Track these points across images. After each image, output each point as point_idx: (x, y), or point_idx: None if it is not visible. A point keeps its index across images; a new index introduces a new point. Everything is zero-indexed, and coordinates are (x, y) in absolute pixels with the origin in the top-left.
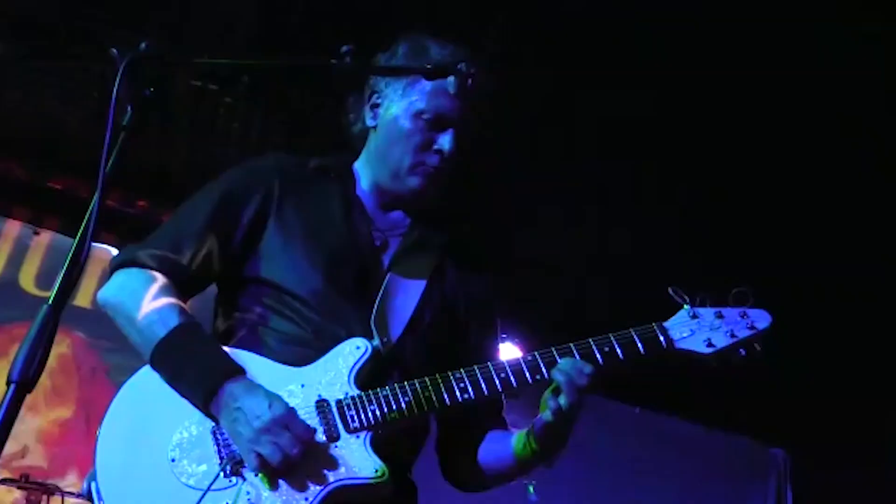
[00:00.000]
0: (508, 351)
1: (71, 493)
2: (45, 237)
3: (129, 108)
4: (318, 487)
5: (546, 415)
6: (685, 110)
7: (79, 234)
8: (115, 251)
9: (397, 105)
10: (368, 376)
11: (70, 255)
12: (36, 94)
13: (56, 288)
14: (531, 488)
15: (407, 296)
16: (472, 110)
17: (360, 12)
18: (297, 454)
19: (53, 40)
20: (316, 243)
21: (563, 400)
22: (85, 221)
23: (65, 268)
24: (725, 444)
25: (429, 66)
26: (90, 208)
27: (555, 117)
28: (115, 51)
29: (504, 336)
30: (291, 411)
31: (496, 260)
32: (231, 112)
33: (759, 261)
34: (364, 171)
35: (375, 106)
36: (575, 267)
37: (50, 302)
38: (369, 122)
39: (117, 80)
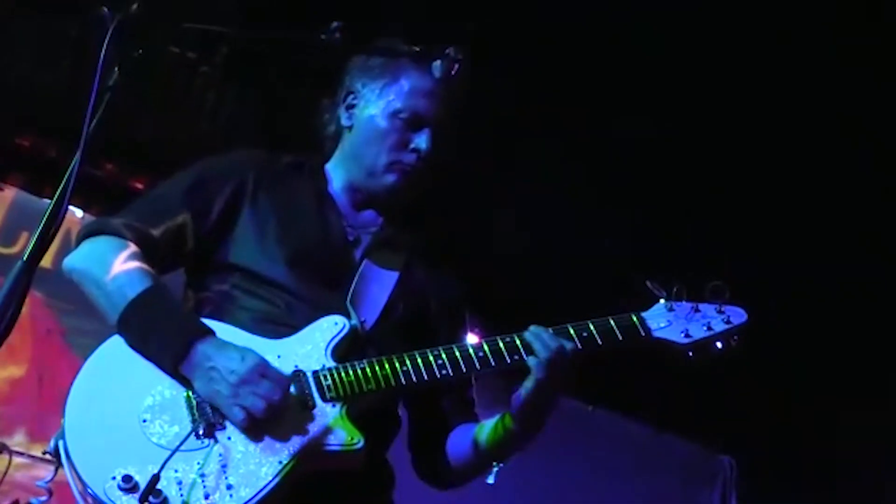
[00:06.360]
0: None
1: (19, 453)
2: (9, 193)
3: (115, 70)
4: (292, 450)
5: (525, 386)
6: (681, 111)
7: (57, 193)
8: (79, 212)
9: (374, 105)
10: (345, 353)
11: (47, 213)
12: (8, 51)
13: (31, 245)
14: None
15: (381, 285)
16: (451, 106)
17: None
18: (279, 400)
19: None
20: (289, 232)
21: (536, 364)
22: (64, 180)
23: (41, 225)
24: (675, 448)
25: (416, 49)
26: (70, 167)
27: (521, 113)
28: (105, 10)
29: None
30: (265, 361)
31: (463, 262)
32: (207, 82)
33: (729, 259)
34: (337, 172)
35: (351, 106)
36: (543, 263)
37: (24, 258)
38: (345, 122)
39: (106, 40)
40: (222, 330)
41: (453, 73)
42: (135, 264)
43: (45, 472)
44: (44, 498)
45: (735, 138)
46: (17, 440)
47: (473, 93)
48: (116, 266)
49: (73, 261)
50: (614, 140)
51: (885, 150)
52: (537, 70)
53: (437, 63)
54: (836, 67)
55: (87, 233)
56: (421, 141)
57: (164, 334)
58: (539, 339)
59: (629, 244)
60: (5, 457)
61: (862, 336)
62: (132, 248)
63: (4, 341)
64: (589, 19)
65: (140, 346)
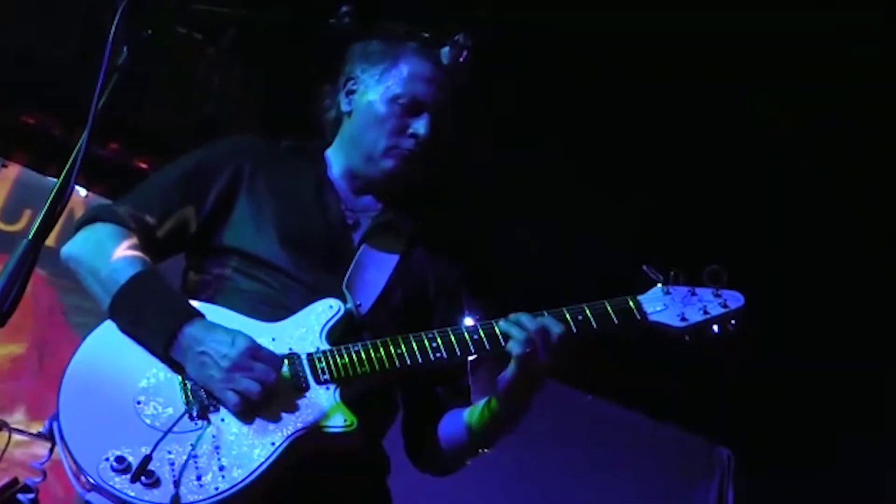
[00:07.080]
0: None
1: (18, 430)
2: (13, 171)
3: (124, 50)
4: (285, 432)
5: (508, 368)
6: (682, 111)
7: (64, 172)
8: (83, 191)
9: (373, 90)
10: (340, 336)
11: (53, 191)
12: (14, 28)
13: (37, 224)
14: None
15: (378, 270)
16: (452, 94)
17: None
18: (272, 381)
19: None
20: (287, 216)
21: (514, 347)
22: (71, 160)
23: (47, 204)
24: (673, 439)
25: (426, 35)
26: (77, 147)
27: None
28: None
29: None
30: (255, 343)
31: (462, 248)
32: (213, 64)
33: (731, 255)
34: (336, 157)
35: (351, 92)
36: (543, 261)
37: (30, 237)
38: (344, 108)
39: (116, 19)
40: (217, 313)
41: (461, 59)
42: (131, 253)
43: (44, 449)
44: (38, 479)
45: (736, 138)
46: (16, 418)
47: (474, 92)
48: (114, 253)
49: (70, 248)
50: (614, 139)
51: (884, 150)
52: (537, 70)
53: (446, 49)
54: (836, 67)
55: (86, 220)
56: (419, 126)
57: (152, 319)
58: (516, 324)
59: (629, 243)
60: (4, 434)
61: (863, 332)
62: (131, 237)
63: (9, 319)
64: (589, 19)
65: (131, 331)
